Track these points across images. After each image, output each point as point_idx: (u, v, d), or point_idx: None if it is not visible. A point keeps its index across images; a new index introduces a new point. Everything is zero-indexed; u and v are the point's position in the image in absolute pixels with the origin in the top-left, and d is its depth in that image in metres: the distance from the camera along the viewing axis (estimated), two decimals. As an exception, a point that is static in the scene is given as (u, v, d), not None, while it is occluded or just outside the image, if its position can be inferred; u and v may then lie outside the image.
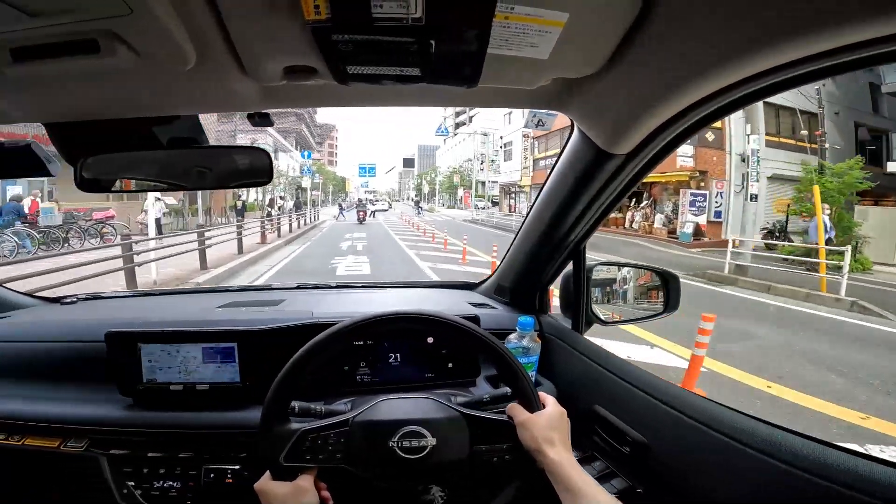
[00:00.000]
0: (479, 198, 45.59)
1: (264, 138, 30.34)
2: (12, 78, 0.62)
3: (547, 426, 0.77)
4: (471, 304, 1.48)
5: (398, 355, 1.17)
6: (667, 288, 1.37)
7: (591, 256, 1.29)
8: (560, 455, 0.74)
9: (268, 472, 0.75)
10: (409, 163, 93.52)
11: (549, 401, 0.83)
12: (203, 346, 1.09)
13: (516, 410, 0.80)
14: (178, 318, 1.31)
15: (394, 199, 71.85)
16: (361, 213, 26.13)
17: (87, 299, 1.60)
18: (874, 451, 3.01)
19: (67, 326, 1.27)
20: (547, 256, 1.31)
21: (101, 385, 1.13)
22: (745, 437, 0.73)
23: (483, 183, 45.79)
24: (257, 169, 0.92)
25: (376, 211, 40.57)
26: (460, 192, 50.68)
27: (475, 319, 1.19)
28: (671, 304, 1.35)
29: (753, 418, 0.76)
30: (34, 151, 0.90)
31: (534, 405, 0.80)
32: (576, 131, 0.97)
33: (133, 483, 1.05)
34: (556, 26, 0.58)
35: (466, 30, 0.56)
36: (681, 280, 1.35)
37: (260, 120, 0.87)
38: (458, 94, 0.77)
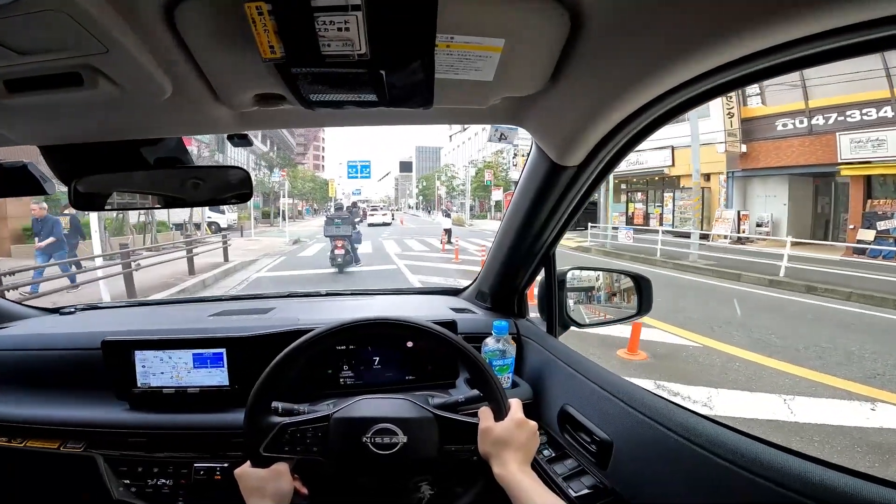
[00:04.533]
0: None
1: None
2: (8, 106, 0.68)
3: (498, 439, 0.81)
4: (452, 309, 1.53)
5: (379, 359, 1.23)
6: (640, 290, 1.42)
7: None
8: (505, 470, 0.78)
9: (248, 461, 0.82)
10: (406, 167, 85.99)
11: (512, 410, 0.85)
12: (193, 352, 1.15)
13: (484, 415, 0.84)
14: (170, 327, 1.36)
15: (391, 208, 54.00)
16: (338, 245, 9.55)
17: (84, 309, 1.65)
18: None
19: (66, 336, 1.33)
20: (520, 263, 1.36)
21: (98, 390, 1.19)
22: (691, 434, 0.77)
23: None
24: (238, 186, 0.99)
25: (375, 224, 27.94)
26: (497, 194, 33.84)
27: (452, 324, 1.25)
28: (644, 306, 1.41)
29: (703, 417, 0.80)
30: (30, 172, 0.96)
31: (501, 413, 0.84)
32: (534, 145, 1.02)
33: (128, 481, 1.11)
34: (495, 51, 0.63)
35: (411, 60, 0.61)
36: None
37: (239, 140, 0.93)
38: (418, 114, 0.82)
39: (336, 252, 9.55)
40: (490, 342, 1.23)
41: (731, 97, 15.53)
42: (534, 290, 1.46)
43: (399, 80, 0.65)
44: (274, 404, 0.89)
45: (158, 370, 1.15)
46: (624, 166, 14.92)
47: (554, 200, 1.08)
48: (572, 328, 1.42)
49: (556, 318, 1.33)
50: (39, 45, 0.55)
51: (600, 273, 1.60)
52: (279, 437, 0.81)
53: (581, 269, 1.47)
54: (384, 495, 0.98)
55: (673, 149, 18.19)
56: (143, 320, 1.58)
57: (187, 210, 15.85)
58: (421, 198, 67.31)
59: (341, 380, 1.21)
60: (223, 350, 1.16)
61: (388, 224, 30.46)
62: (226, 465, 1.10)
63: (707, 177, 16.51)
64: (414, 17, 0.54)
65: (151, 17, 0.55)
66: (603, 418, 0.97)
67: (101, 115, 0.76)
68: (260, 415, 0.83)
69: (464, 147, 52.53)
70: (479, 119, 0.94)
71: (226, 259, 11.17)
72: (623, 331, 4.97)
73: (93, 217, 7.34)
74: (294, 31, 0.53)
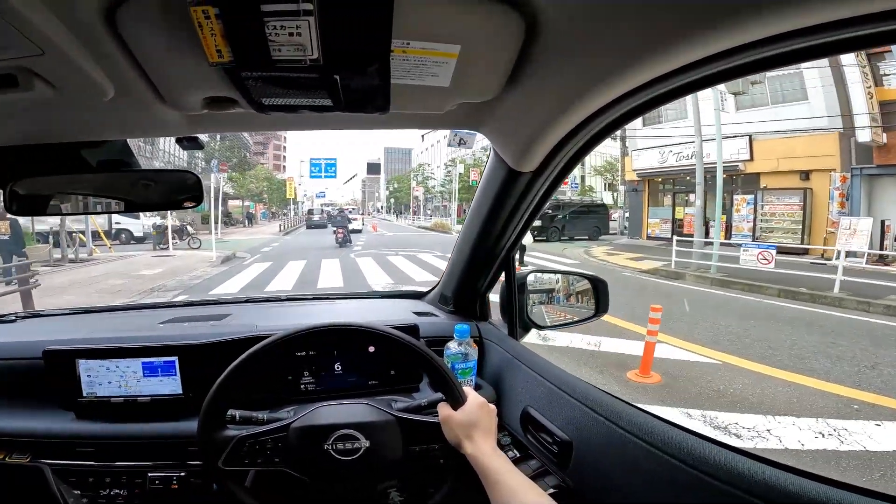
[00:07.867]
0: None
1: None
2: None
3: (464, 421, 0.82)
4: (415, 312, 1.53)
5: (341, 364, 1.21)
6: (597, 292, 1.46)
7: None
8: (476, 448, 0.79)
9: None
10: (374, 168, 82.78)
11: (471, 395, 0.87)
12: (143, 360, 1.12)
13: (442, 408, 0.85)
14: (117, 335, 1.31)
15: (360, 213, 49.42)
16: (339, 232, 16.79)
17: (26, 317, 1.58)
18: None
19: (5, 345, 1.27)
20: (481, 266, 1.37)
21: (43, 400, 1.14)
22: (644, 433, 0.79)
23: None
24: (187, 191, 0.95)
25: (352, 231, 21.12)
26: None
27: (414, 328, 1.24)
28: (601, 307, 1.45)
29: (657, 418, 0.83)
30: None
31: (458, 402, 0.85)
32: (492, 150, 1.04)
33: (79, 492, 1.07)
34: (451, 57, 0.64)
35: (365, 66, 0.60)
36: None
37: (189, 143, 0.90)
38: (375, 118, 0.82)
39: (338, 236, 16.85)
40: (452, 346, 1.23)
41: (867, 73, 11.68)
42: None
43: (354, 85, 0.65)
44: (231, 412, 0.87)
45: (105, 379, 1.11)
46: (673, 161, 11.74)
47: (511, 206, 1.10)
48: (533, 330, 1.45)
49: (517, 321, 1.35)
50: None
51: (560, 276, 1.64)
52: (237, 450, 0.79)
53: (540, 271, 1.50)
54: None
55: (751, 138, 13.89)
56: (88, 328, 1.50)
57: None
58: (392, 200, 65.50)
59: (302, 386, 1.19)
60: (175, 358, 1.13)
61: (359, 231, 25.03)
62: (182, 473, 1.08)
63: (806, 174, 13.17)
64: (368, 23, 0.54)
65: (90, 18, 0.53)
66: (562, 419, 0.99)
67: (39, 116, 0.73)
68: (214, 428, 0.80)
69: (438, 146, 51.45)
70: (436, 125, 0.95)
71: (25, 307, 5.86)
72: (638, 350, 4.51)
73: None
74: (243, 35, 0.52)
